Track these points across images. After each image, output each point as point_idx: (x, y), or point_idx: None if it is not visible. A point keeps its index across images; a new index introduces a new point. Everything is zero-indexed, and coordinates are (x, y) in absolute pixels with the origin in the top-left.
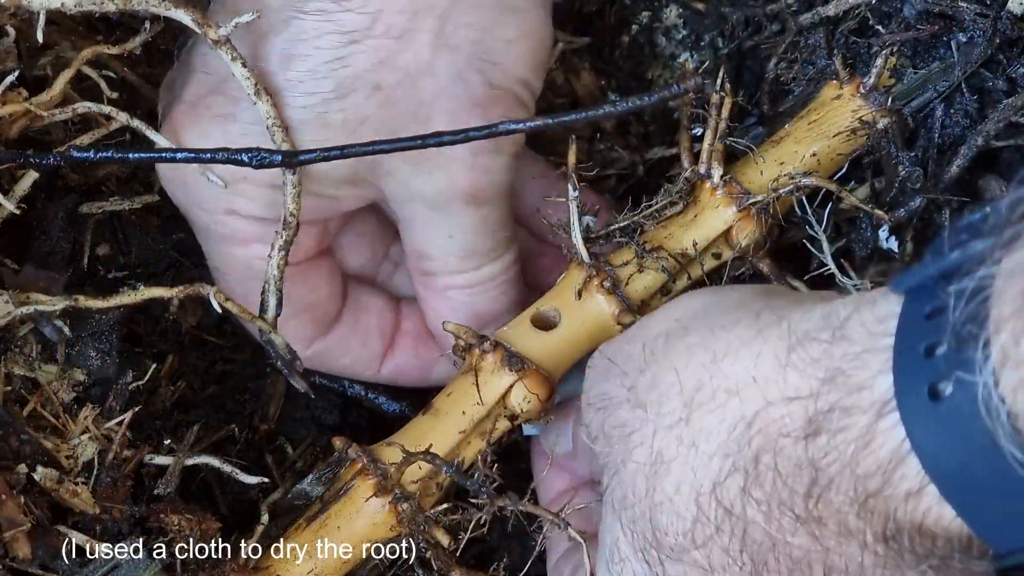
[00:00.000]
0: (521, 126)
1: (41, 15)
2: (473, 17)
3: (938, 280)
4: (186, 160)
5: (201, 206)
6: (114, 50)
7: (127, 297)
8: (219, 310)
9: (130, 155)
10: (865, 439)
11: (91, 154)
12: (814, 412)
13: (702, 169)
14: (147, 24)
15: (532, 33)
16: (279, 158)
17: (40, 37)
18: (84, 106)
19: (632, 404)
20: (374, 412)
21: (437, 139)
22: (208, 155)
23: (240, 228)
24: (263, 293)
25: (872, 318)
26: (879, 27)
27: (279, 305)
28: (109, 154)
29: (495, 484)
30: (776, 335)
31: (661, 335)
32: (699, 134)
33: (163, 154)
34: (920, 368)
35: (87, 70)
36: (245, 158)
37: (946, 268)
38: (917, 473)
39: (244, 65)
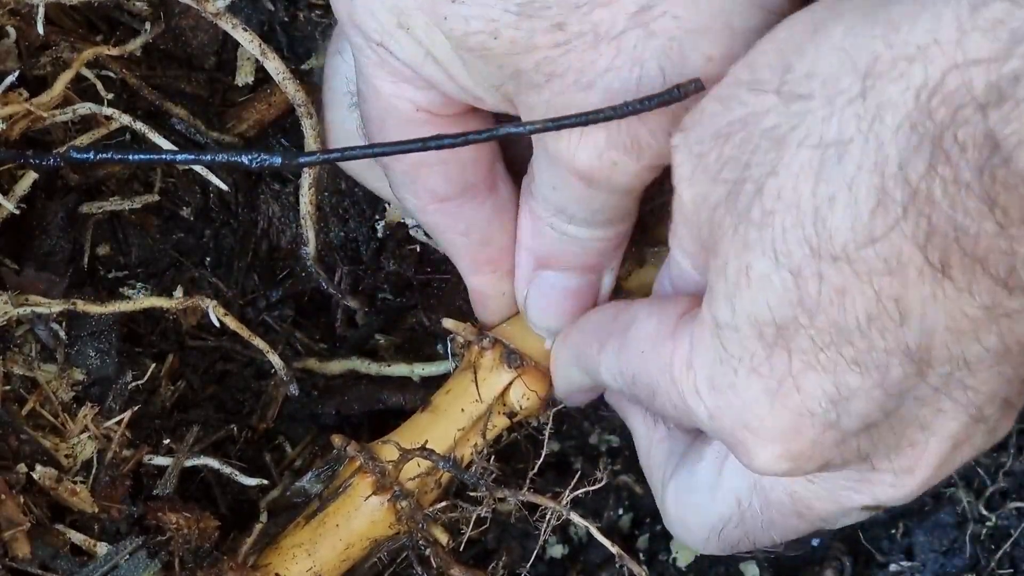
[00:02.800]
0: (521, 130)
1: (40, 8)
2: (684, 11)
3: None
4: (186, 162)
5: (361, 31)
6: (114, 51)
7: (125, 304)
8: (217, 324)
9: (130, 156)
10: None
11: (91, 154)
12: (997, 76)
13: None
14: (147, 25)
15: (736, 58)
16: (279, 160)
17: (40, 29)
18: (85, 107)
19: (786, 101)
20: (373, 411)
21: (438, 141)
22: (208, 157)
23: (390, 61)
24: (302, 227)
25: None
26: None
27: (318, 237)
28: (109, 155)
29: (493, 476)
30: None
31: (802, 30)
32: None
33: (163, 155)
34: None
35: (85, 71)
36: (246, 160)
37: None
38: None
39: (245, 30)
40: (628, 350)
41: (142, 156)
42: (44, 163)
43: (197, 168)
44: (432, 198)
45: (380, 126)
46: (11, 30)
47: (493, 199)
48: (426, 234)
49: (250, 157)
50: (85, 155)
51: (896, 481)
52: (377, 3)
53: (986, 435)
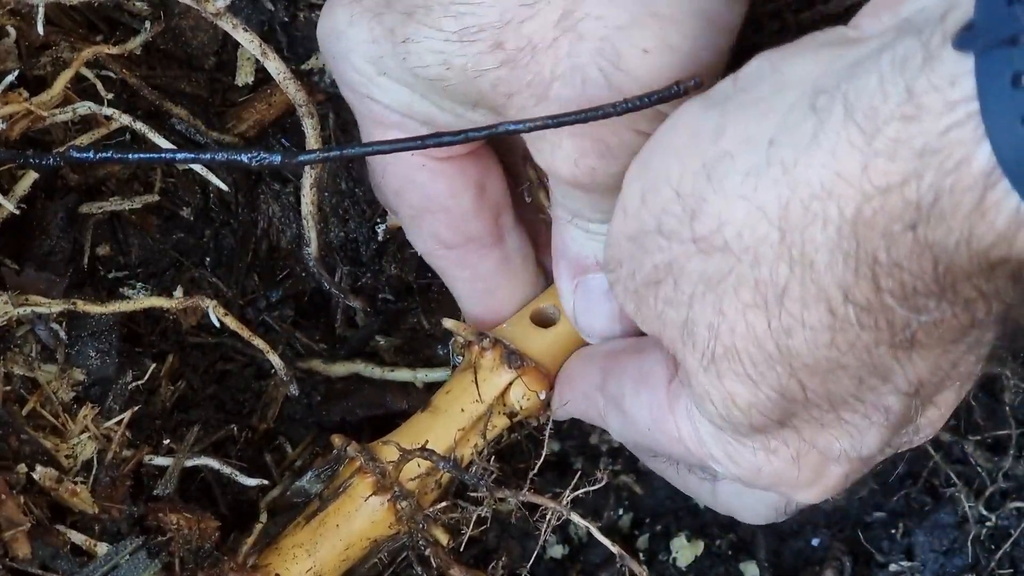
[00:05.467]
0: (520, 127)
1: (40, 8)
2: (605, 10)
3: (1013, 39)
4: (185, 160)
5: (350, 87)
6: (114, 50)
7: (126, 304)
8: (217, 324)
9: (129, 155)
10: (978, 213)
11: (91, 154)
12: (915, 197)
13: None
14: (147, 24)
15: (676, 48)
16: (278, 158)
17: (40, 29)
18: (85, 107)
19: (705, 252)
20: (374, 412)
21: (437, 139)
22: (208, 156)
23: (379, 112)
24: (304, 228)
25: (942, 81)
26: None
27: (320, 237)
28: (109, 154)
29: (493, 476)
30: (840, 120)
31: (695, 173)
32: None
33: (163, 154)
34: (1021, 134)
35: (85, 71)
36: (245, 158)
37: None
38: None
39: (245, 30)
40: (633, 427)
41: (142, 156)
42: (44, 163)
43: (197, 168)
44: (437, 244)
45: (383, 173)
46: (11, 30)
47: (499, 251)
48: None
49: (249, 156)
50: (85, 155)
51: (923, 438)
52: (357, 57)
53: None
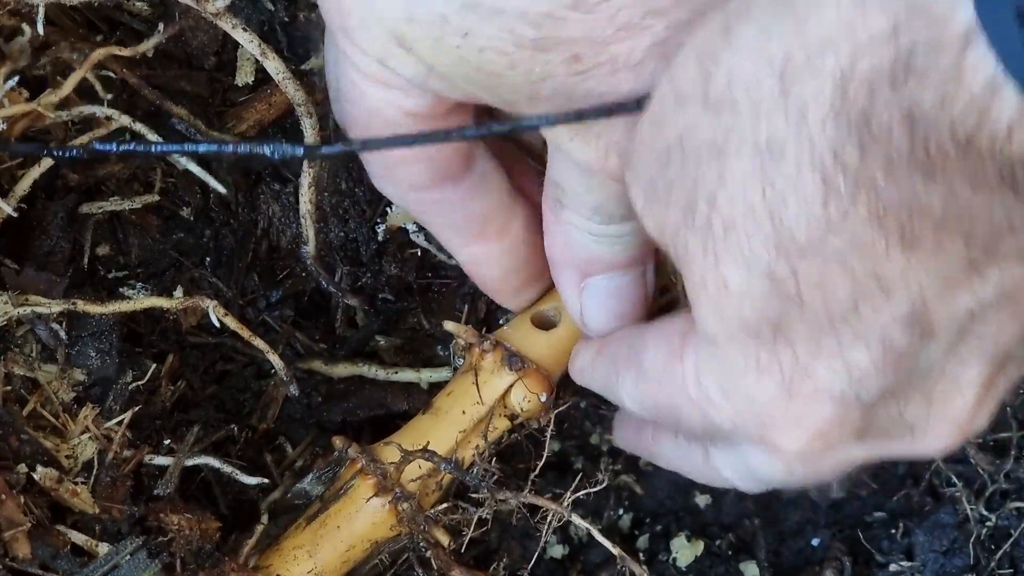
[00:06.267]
0: (543, 122)
1: (40, 8)
2: (699, 40)
3: None
4: (208, 152)
5: (357, 43)
6: (125, 52)
7: (126, 304)
8: (217, 324)
9: (153, 147)
10: (955, 74)
11: (113, 146)
12: (898, 51)
13: None
14: (160, 26)
15: None
16: (301, 151)
17: (40, 29)
18: (90, 108)
19: (714, 113)
20: (375, 412)
21: (460, 132)
22: (231, 147)
23: (375, 69)
24: (302, 227)
25: None
26: None
27: (318, 236)
28: (131, 146)
29: (494, 478)
30: None
31: (714, 36)
32: None
33: (184, 146)
34: None
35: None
36: (267, 150)
37: None
38: (1013, 100)
39: (245, 30)
40: (646, 380)
41: (164, 147)
42: (67, 156)
43: (196, 169)
44: (410, 188)
45: (365, 128)
46: (26, 28)
47: (470, 177)
48: (427, 238)
49: (271, 148)
50: (107, 147)
51: (940, 435)
52: (375, 24)
53: (1018, 367)
